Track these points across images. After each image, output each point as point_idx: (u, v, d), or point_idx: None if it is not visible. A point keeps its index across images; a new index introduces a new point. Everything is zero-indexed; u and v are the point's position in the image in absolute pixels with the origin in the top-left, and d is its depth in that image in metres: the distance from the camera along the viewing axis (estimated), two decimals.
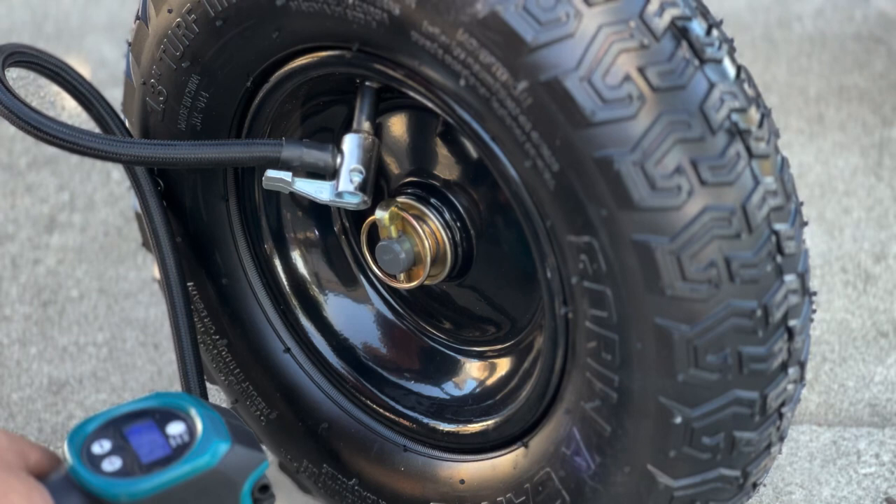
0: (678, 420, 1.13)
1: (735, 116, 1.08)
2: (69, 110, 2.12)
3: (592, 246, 1.10)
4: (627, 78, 1.06)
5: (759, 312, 1.09)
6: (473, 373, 1.39)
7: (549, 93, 1.07)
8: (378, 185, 1.36)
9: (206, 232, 1.42)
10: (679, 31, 1.08)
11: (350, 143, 1.26)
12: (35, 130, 1.24)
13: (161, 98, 1.33)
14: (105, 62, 2.30)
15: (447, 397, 1.40)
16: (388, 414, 1.41)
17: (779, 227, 1.10)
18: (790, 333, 1.13)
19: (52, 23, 2.40)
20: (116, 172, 2.06)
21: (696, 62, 1.08)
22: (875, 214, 2.00)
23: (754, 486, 1.22)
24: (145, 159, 1.26)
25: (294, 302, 1.45)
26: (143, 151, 1.26)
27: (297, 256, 1.46)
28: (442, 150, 1.32)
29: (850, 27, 2.41)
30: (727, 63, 1.10)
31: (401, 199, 1.31)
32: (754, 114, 1.10)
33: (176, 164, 1.27)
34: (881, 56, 2.33)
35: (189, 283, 1.45)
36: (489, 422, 1.33)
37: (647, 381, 1.12)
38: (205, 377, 1.51)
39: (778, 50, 2.36)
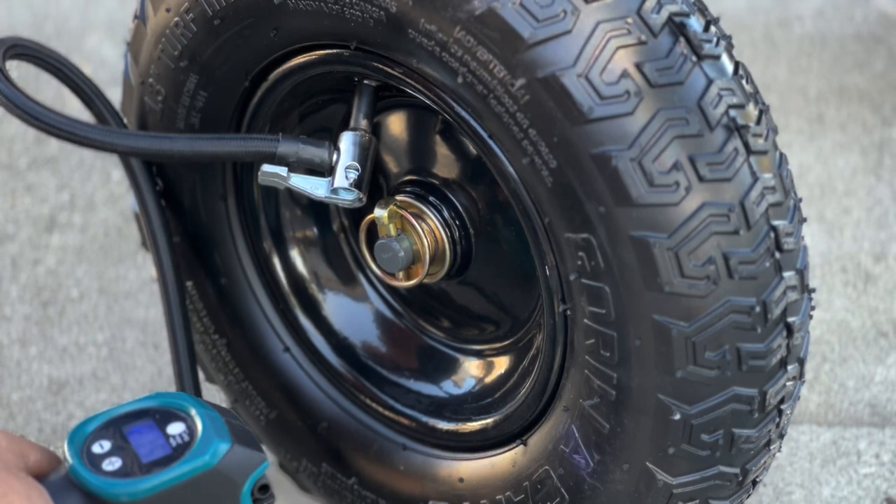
0: (677, 417, 1.12)
1: (733, 112, 1.08)
2: (70, 111, 2.12)
3: (590, 243, 1.10)
4: (625, 74, 1.05)
5: (757, 309, 1.09)
6: (472, 371, 1.39)
7: (546, 89, 1.07)
8: (377, 184, 1.36)
9: (204, 231, 1.42)
10: (677, 28, 1.08)
11: (347, 141, 1.26)
12: (34, 120, 1.24)
13: (159, 97, 1.33)
14: (105, 62, 2.30)
15: (446, 396, 1.40)
16: (387, 412, 1.41)
17: (777, 223, 1.10)
18: (789, 330, 1.12)
19: (52, 23, 2.40)
20: (116, 172, 2.06)
21: (694, 58, 1.08)
22: (875, 214, 2.00)
23: (754, 483, 1.22)
24: (142, 151, 1.27)
25: (293, 301, 1.45)
26: (140, 143, 1.26)
27: (295, 255, 1.46)
28: (440, 149, 1.32)
29: (850, 27, 2.41)
30: (725, 59, 1.10)
31: (400, 197, 1.31)
32: (752, 110, 1.10)
33: (173, 158, 1.27)
34: (881, 56, 2.33)
35: (188, 283, 1.45)
36: (488, 420, 1.33)
37: (646, 378, 1.12)
38: (204, 377, 1.51)
39: (778, 50, 2.36)
